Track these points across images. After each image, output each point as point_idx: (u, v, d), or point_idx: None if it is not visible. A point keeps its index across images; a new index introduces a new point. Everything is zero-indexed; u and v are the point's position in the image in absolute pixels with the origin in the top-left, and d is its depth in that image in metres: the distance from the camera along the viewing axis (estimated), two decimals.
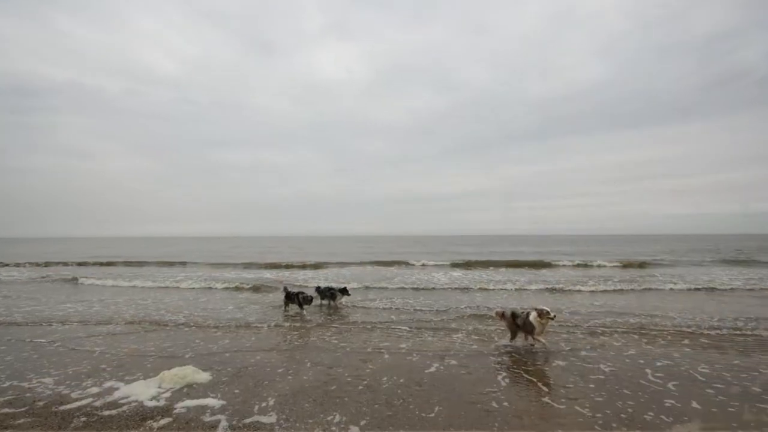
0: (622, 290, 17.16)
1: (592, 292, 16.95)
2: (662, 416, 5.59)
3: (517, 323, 9.06)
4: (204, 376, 7.21)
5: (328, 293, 14.33)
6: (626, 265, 29.11)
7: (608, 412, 5.75)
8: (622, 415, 5.65)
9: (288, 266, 31.63)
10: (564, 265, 29.67)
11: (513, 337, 9.21)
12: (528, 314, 8.80)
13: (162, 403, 6.15)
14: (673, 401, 6.05)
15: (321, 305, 14.20)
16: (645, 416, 5.60)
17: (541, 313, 8.58)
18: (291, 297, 13.45)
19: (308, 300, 13.18)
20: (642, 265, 29.22)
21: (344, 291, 14.36)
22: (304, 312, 12.93)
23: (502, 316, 9.48)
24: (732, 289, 17.47)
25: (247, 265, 32.48)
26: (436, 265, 31.26)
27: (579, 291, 17.21)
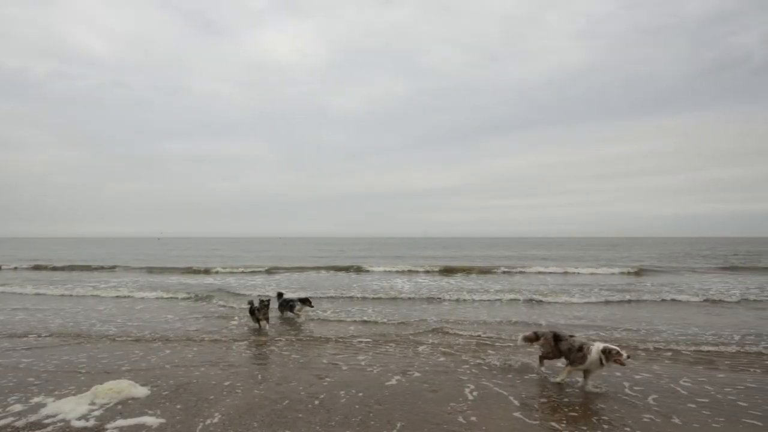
0: (607, 301, 17.27)
1: (574, 303, 17.02)
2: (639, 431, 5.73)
3: (559, 347, 7.98)
4: (141, 391, 7.11)
5: (286, 304, 14.14)
6: (613, 273, 29.54)
7: (584, 428, 5.91)
8: (599, 431, 5.78)
9: (234, 272, 31.40)
10: (543, 272, 29.93)
11: (542, 361, 8.40)
12: (587, 346, 7.44)
13: (92, 422, 5.99)
14: (651, 416, 6.23)
15: (280, 317, 14.04)
16: None
17: (610, 353, 7.13)
18: (254, 311, 12.50)
19: (264, 308, 12.32)
20: (630, 272, 29.70)
21: (306, 301, 13.95)
22: (266, 326, 12.39)
23: (535, 339, 8.51)
24: (726, 300, 17.37)
25: (189, 270, 32.15)
26: (400, 271, 31.32)
27: (558, 302, 17.24)
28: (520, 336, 8.86)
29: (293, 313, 13.81)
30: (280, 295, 14.91)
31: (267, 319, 12.31)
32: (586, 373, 7.50)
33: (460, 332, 11.75)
